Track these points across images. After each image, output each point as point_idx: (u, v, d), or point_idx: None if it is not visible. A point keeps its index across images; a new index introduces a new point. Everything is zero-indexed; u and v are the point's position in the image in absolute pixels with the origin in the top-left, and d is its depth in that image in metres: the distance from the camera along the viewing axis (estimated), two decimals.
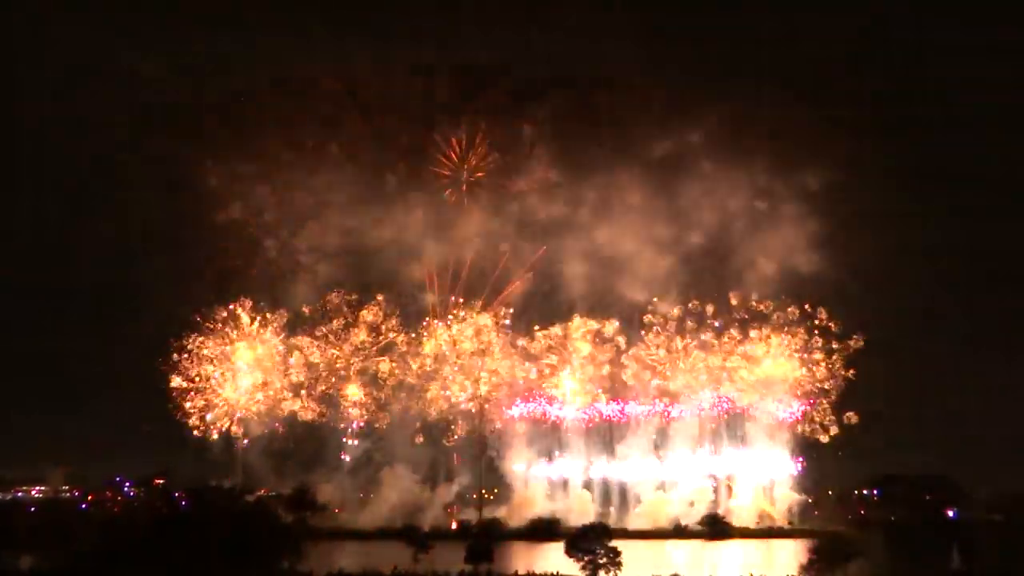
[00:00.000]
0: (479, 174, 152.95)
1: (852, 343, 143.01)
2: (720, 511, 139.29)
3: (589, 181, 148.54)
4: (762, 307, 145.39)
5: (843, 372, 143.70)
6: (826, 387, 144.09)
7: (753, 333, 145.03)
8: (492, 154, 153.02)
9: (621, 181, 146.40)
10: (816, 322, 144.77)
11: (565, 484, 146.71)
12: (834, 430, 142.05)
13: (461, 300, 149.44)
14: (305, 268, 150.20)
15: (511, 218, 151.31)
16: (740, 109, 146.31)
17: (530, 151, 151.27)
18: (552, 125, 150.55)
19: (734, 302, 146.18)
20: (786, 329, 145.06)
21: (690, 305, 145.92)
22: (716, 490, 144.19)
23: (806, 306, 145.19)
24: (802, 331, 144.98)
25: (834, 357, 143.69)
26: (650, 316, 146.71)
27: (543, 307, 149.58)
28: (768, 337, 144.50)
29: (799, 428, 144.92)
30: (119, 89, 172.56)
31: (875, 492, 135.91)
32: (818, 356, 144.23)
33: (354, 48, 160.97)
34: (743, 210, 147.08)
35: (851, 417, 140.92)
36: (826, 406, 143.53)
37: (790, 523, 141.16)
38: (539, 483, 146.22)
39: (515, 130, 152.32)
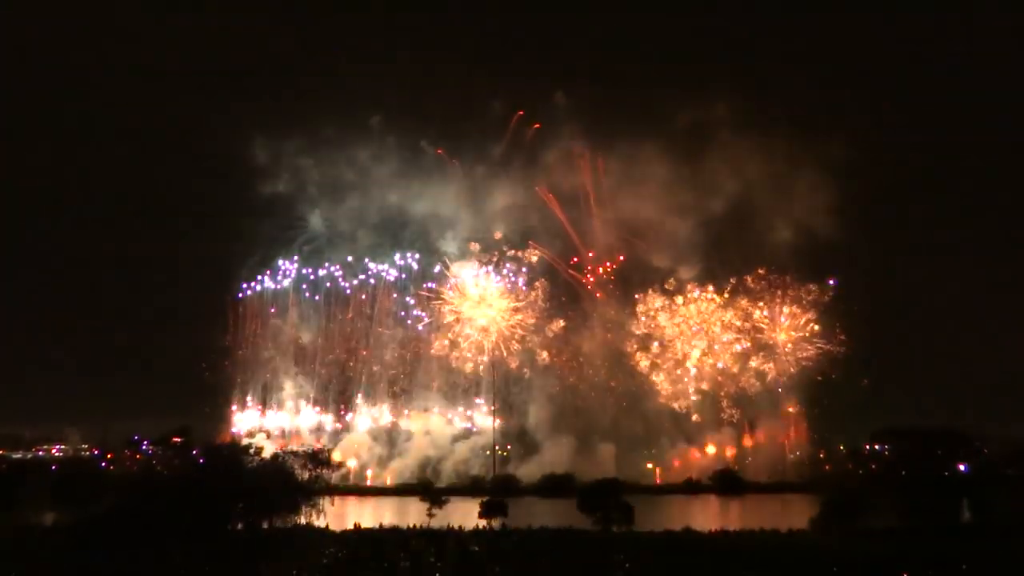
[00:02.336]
0: None
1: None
2: (738, 466, 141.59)
3: (616, 152, 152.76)
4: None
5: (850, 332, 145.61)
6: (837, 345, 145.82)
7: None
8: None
9: (648, 153, 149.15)
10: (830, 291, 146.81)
11: (588, 440, 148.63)
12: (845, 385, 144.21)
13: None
14: (346, 237, 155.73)
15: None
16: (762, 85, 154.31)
17: (565, 122, 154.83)
18: (585, 99, 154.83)
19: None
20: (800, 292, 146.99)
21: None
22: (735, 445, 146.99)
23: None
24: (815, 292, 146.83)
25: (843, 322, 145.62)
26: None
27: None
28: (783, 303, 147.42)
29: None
30: (169, 62, 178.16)
31: (886, 447, 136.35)
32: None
33: (397, 27, 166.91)
34: (762, 180, 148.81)
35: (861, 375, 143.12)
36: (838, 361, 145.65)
37: (800, 477, 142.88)
38: (566, 439, 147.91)
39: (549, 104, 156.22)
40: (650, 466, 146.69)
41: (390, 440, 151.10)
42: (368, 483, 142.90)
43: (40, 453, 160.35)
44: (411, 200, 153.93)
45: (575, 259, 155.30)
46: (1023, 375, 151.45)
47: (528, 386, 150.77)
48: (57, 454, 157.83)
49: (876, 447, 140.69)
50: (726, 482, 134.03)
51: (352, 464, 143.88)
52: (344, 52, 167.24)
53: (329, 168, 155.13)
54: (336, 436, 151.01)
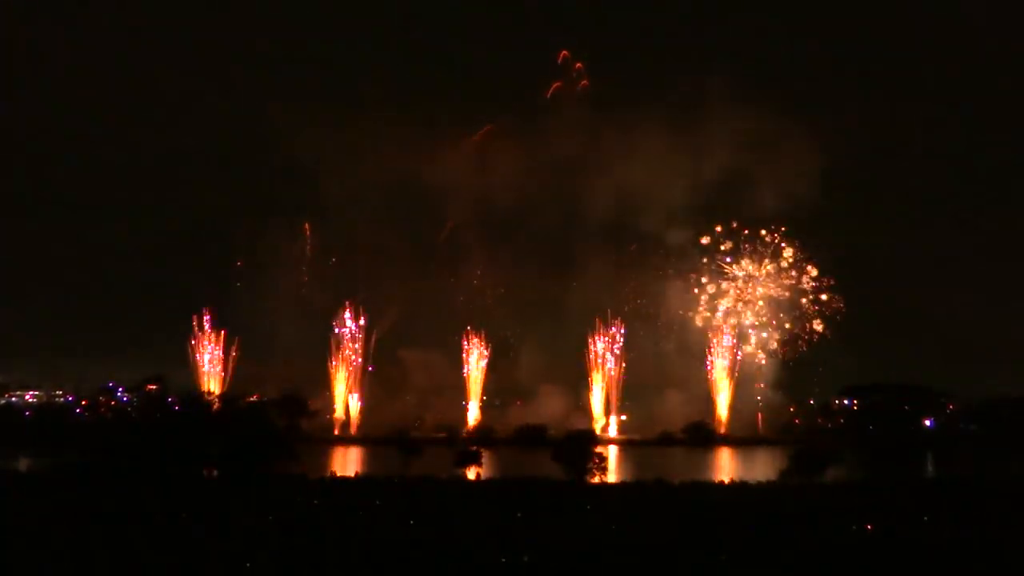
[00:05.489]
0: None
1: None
2: (713, 419, 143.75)
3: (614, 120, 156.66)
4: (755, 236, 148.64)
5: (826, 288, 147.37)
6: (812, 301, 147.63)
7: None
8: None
9: (645, 120, 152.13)
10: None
11: (576, 391, 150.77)
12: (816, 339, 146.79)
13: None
14: (359, 198, 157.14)
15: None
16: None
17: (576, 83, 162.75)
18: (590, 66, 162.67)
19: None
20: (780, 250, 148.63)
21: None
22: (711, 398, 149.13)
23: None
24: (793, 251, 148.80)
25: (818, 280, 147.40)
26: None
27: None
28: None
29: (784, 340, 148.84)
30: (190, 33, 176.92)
31: (855, 402, 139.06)
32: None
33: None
34: (751, 146, 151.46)
35: (824, 328, 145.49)
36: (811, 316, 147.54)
37: (772, 431, 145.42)
38: (553, 389, 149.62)
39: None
40: (624, 417, 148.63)
41: (385, 382, 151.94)
42: (352, 432, 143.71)
43: (13, 399, 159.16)
44: (421, 169, 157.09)
45: None
46: (987, 334, 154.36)
47: (520, 335, 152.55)
48: (31, 400, 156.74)
49: (845, 402, 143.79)
50: (698, 435, 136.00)
51: (337, 412, 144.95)
52: (359, 23, 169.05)
53: (342, 136, 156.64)
54: (329, 386, 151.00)
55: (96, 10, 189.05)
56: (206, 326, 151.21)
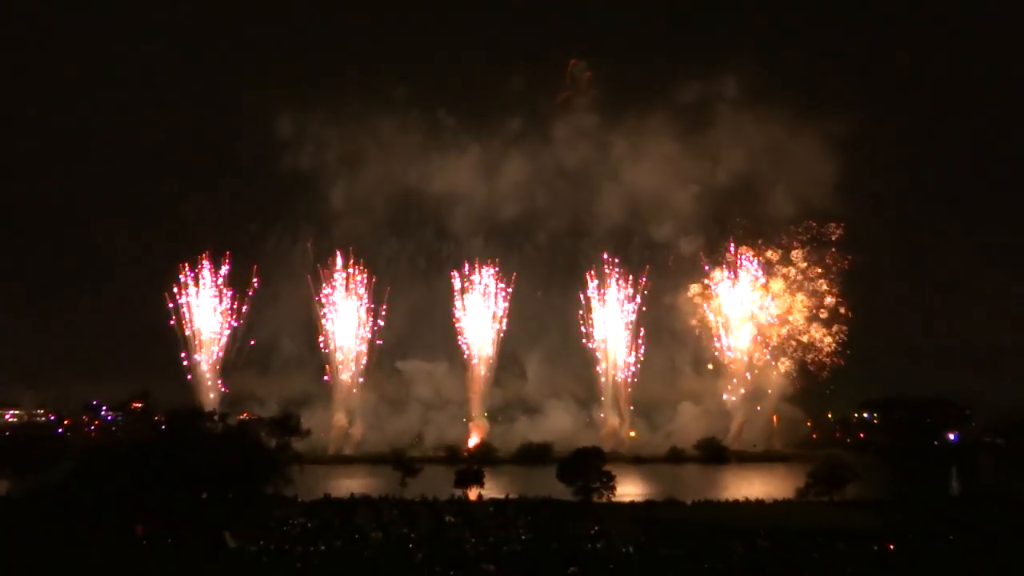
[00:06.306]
0: None
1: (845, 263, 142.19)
2: (731, 434, 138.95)
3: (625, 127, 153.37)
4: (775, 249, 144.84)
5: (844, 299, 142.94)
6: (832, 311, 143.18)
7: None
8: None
9: (657, 125, 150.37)
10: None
11: (587, 407, 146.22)
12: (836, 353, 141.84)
13: None
14: (364, 208, 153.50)
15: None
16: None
17: (586, 90, 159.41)
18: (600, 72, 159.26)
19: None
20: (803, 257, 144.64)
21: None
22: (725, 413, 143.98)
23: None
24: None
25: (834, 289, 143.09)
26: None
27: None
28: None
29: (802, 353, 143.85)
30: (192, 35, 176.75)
31: (875, 416, 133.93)
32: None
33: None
34: (769, 152, 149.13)
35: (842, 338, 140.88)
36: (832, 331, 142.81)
37: (789, 447, 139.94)
38: (561, 404, 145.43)
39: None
40: (632, 434, 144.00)
41: (389, 397, 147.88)
42: (346, 451, 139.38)
43: None
44: (427, 177, 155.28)
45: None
46: (1012, 345, 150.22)
47: (528, 347, 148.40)
48: (11, 419, 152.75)
49: (866, 416, 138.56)
50: (711, 451, 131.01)
51: (338, 421, 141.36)
52: (364, 29, 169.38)
53: (349, 142, 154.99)
54: (326, 403, 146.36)
55: (97, 11, 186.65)
56: (206, 273, 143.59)
